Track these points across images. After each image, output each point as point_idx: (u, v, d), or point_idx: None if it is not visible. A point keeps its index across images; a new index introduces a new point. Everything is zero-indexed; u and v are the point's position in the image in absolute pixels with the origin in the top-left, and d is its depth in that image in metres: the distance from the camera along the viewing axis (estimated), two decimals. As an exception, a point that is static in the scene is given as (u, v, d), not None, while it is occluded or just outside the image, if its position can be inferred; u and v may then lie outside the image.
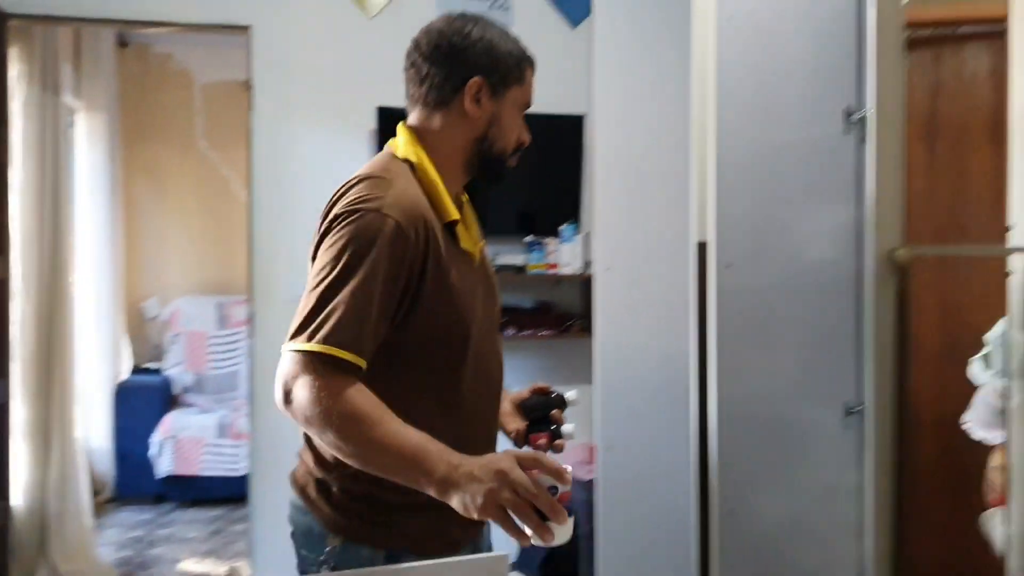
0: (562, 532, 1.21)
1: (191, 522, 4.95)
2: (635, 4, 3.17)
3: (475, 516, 1.24)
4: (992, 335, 2.51)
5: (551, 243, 4.03)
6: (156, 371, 5.70)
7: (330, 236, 1.47)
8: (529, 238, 4.05)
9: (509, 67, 1.63)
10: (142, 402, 5.31)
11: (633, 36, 3.13)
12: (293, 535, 1.61)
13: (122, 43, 5.71)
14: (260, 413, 4.03)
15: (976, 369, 2.63)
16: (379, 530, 1.53)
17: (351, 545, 1.52)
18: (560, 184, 4.15)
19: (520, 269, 4.08)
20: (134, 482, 5.19)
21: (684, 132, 2.65)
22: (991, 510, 2.62)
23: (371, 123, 3.98)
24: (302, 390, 1.35)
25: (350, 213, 1.47)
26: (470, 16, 1.64)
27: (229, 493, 5.07)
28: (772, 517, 2.25)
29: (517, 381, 4.34)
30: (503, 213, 4.19)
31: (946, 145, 3.48)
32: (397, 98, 4.20)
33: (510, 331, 4.09)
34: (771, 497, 2.24)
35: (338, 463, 1.45)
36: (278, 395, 1.39)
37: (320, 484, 1.56)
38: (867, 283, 1.46)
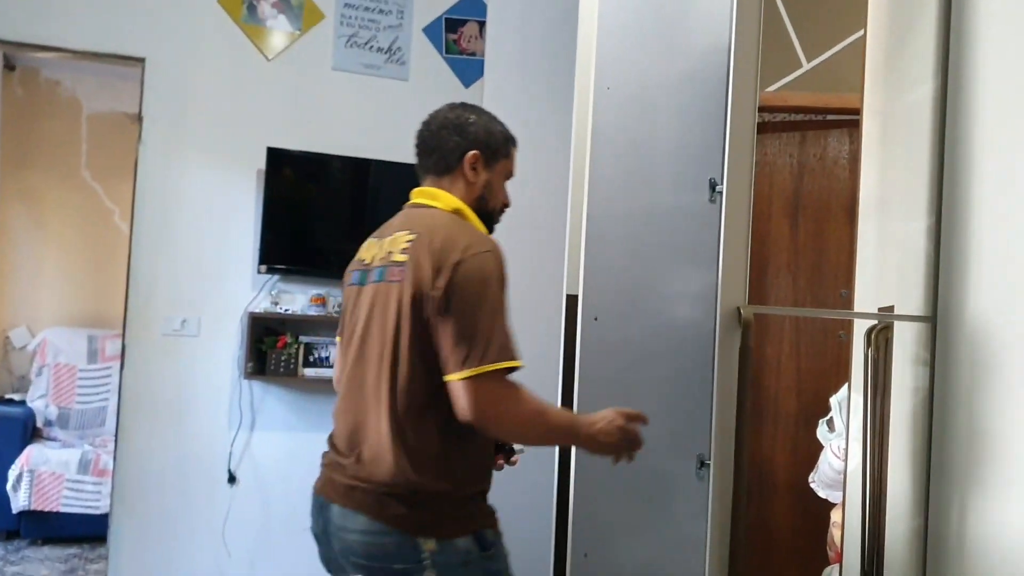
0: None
1: (44, 559, 4.76)
2: (523, 69, 3.32)
3: (602, 454, 1.89)
4: (835, 398, 2.68)
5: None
6: (20, 402, 5.50)
7: (468, 277, 1.79)
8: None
9: (499, 144, 2.06)
10: (1, 433, 5.11)
11: (520, 98, 3.27)
12: (368, 564, 1.82)
13: (9, 66, 5.59)
14: (125, 451, 3.95)
15: (821, 431, 2.80)
16: (465, 520, 1.84)
17: (446, 542, 1.79)
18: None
19: (401, 316, 4.13)
20: (-13, 517, 4.97)
21: (564, 190, 2.78)
22: (830, 566, 2.77)
23: (260, 163, 4.02)
24: (512, 403, 1.76)
25: (474, 256, 1.81)
26: (469, 105, 2.10)
27: (88, 531, 4.89)
28: (626, 564, 2.34)
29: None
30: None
31: (808, 221, 3.73)
32: (287, 140, 4.28)
33: (388, 377, 4.14)
34: (626, 544, 2.34)
35: (430, 474, 1.80)
36: (475, 414, 1.73)
37: (406, 498, 1.81)
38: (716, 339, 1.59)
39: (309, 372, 4.06)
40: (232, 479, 4.08)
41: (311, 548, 4.02)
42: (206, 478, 4.05)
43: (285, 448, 4.17)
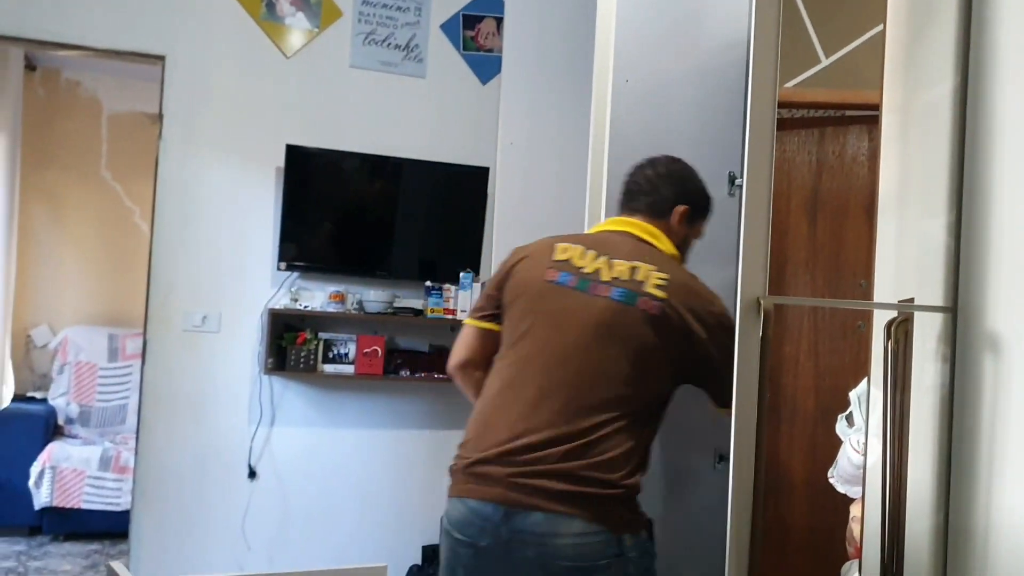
0: None
1: (66, 555, 4.81)
2: (542, 65, 3.32)
3: None
4: (855, 392, 2.67)
5: (450, 289, 4.12)
6: (41, 400, 5.55)
7: (726, 330, 1.93)
8: (428, 283, 4.13)
9: (704, 207, 2.26)
10: (23, 431, 5.16)
11: (538, 95, 3.28)
12: (574, 565, 1.90)
13: (30, 66, 5.64)
14: (146, 447, 3.98)
15: (840, 426, 2.79)
16: (642, 515, 2.01)
17: (636, 536, 1.96)
18: (462, 233, 4.26)
19: (418, 313, 4.15)
20: (9, 512, 5.01)
21: (582, 188, 2.79)
22: (849, 562, 2.76)
23: (279, 160, 4.04)
24: None
25: (723, 312, 2.08)
26: (685, 163, 2.26)
27: (108, 527, 4.95)
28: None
29: (410, 423, 4.40)
30: (405, 258, 4.27)
31: (827, 218, 3.71)
32: (306, 137, 4.29)
33: (405, 372, 4.15)
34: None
35: (637, 475, 1.98)
36: None
37: (621, 499, 1.95)
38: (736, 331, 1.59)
39: (328, 368, 4.08)
40: (252, 474, 4.11)
41: (330, 542, 4.03)
42: (226, 473, 4.08)
43: (305, 444, 4.19)
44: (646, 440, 2.04)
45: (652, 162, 2.25)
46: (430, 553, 4.17)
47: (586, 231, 2.42)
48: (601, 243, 2.14)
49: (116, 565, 1.51)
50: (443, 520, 2.08)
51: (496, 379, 2.10)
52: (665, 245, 2.16)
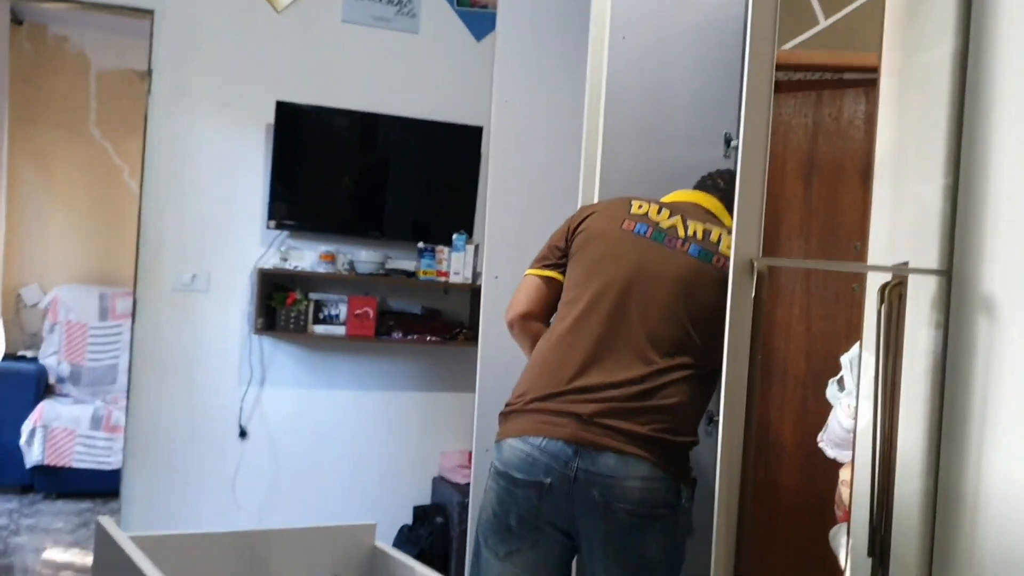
0: None
1: (58, 513, 4.82)
2: (537, 22, 3.27)
3: None
4: (846, 356, 2.66)
5: (443, 251, 4.09)
6: (32, 359, 5.53)
7: None
8: (421, 244, 4.10)
9: None
10: (14, 390, 5.15)
11: (534, 53, 3.23)
12: (637, 510, 1.92)
13: (16, 20, 5.56)
14: (137, 406, 3.97)
15: (831, 391, 2.78)
16: (691, 469, 2.04)
17: (690, 492, 2.01)
18: (455, 194, 4.23)
19: (411, 274, 4.13)
20: (0, 471, 5.02)
21: (578, 148, 2.76)
22: (837, 525, 2.77)
23: (269, 117, 4.00)
24: None
25: None
26: None
27: (99, 487, 4.96)
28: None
29: (401, 385, 4.39)
30: (398, 219, 4.24)
31: (822, 182, 3.69)
32: (297, 94, 4.23)
33: (397, 334, 4.13)
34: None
35: (696, 428, 2.05)
36: None
37: (684, 448, 2.00)
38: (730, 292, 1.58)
39: (319, 329, 4.06)
40: (243, 434, 4.10)
41: (320, 503, 4.03)
42: (217, 433, 4.08)
43: (295, 404, 4.19)
44: (707, 398, 2.08)
45: (722, 172, 2.38)
46: (420, 514, 4.18)
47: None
48: (674, 206, 2.19)
49: (106, 520, 1.50)
50: (494, 464, 2.04)
51: (562, 323, 2.11)
52: (730, 224, 2.18)
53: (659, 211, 2.17)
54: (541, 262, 2.24)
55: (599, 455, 1.92)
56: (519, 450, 1.98)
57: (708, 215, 2.21)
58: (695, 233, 2.13)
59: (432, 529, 3.97)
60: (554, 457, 1.94)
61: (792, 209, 3.66)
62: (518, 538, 2.00)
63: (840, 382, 2.75)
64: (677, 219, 2.15)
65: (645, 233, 2.12)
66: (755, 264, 1.51)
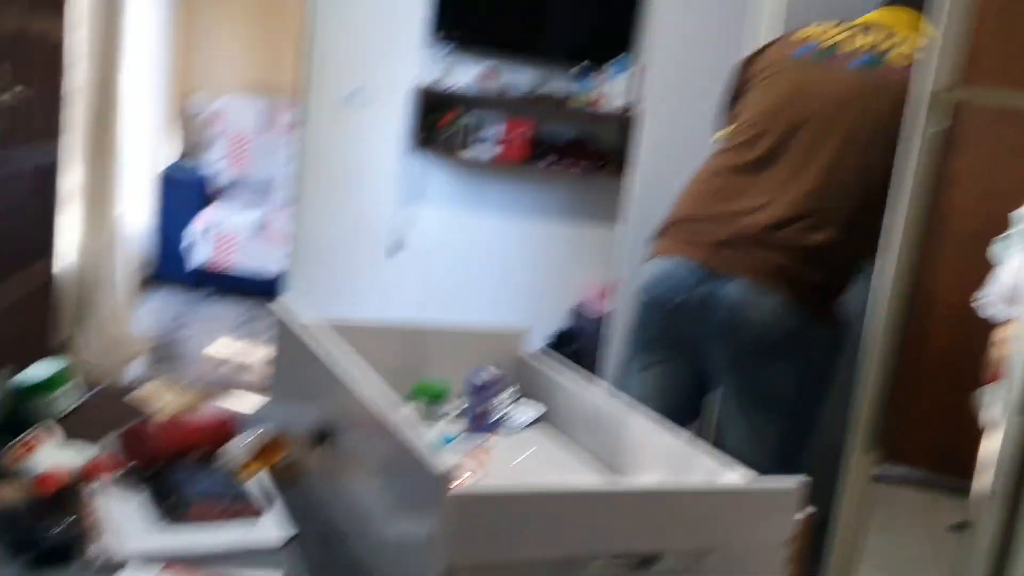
0: None
1: (224, 309, 5.14)
2: None
3: None
4: (1018, 213, 2.52)
5: (599, 77, 3.97)
6: (197, 167, 5.77)
7: None
8: (576, 69, 4.00)
9: None
10: (182, 193, 5.41)
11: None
12: (764, 338, 1.89)
13: None
14: (303, 215, 4.13)
15: (998, 248, 2.65)
16: (839, 318, 1.98)
17: (826, 330, 1.95)
18: (617, 14, 4.03)
19: (563, 99, 4.04)
20: (171, 268, 5.35)
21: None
22: (984, 386, 2.69)
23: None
24: None
25: None
26: None
27: (257, 290, 5.19)
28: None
29: (546, 213, 4.35)
30: (553, 40, 4.11)
31: None
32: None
33: (543, 163, 4.10)
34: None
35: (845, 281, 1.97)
36: None
37: (820, 288, 1.93)
38: (912, 122, 1.43)
39: (473, 150, 4.07)
40: (397, 248, 4.22)
41: (466, 315, 4.06)
42: (371, 246, 4.22)
43: (447, 224, 4.27)
44: (856, 245, 1.96)
45: None
46: (555, 342, 4.25)
47: None
48: (848, 26, 2.06)
49: (279, 305, 1.60)
50: (638, 292, 2.08)
51: (716, 155, 2.10)
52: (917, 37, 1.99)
53: (825, 30, 2.05)
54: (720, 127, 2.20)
55: (728, 280, 1.90)
56: (656, 267, 2.01)
57: (885, 30, 2.04)
58: (863, 46, 1.99)
59: (566, 356, 4.04)
60: (686, 276, 1.95)
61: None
62: (653, 352, 2.05)
63: (1008, 239, 2.60)
64: (845, 35, 2.02)
65: (805, 55, 2.02)
66: (952, 96, 1.39)
